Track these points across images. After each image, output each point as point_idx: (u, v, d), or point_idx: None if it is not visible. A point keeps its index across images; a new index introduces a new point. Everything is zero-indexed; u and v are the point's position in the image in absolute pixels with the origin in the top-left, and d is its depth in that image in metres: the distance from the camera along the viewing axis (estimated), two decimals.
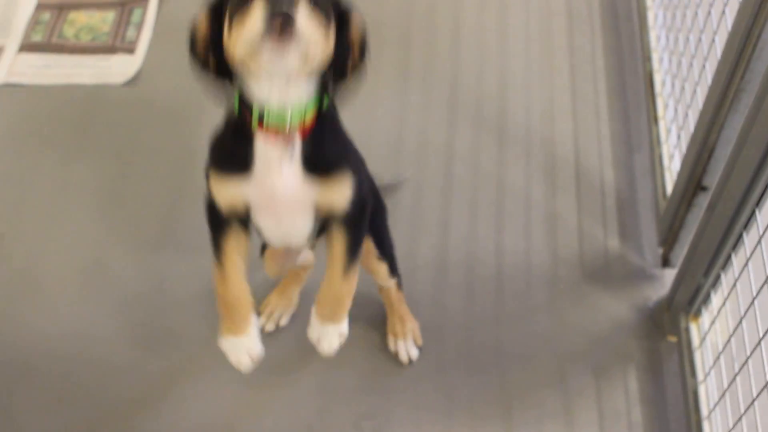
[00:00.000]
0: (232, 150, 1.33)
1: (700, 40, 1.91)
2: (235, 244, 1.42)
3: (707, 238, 1.68)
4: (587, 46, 2.45)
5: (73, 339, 1.96)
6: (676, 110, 2.08)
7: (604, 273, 2.03)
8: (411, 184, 2.17)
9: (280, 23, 1.13)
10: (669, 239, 1.98)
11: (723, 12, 1.75)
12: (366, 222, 1.45)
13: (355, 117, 2.15)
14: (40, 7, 2.65)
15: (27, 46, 2.55)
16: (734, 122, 1.63)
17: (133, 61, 2.49)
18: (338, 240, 1.42)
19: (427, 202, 2.14)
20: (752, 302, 1.53)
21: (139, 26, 2.57)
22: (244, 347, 1.47)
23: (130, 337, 1.97)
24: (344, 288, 1.46)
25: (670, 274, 1.97)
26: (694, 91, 1.92)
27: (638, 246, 2.06)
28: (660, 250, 2.03)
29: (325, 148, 1.33)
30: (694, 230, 1.80)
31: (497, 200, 2.13)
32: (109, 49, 2.52)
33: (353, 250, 1.44)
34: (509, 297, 1.99)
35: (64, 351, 1.95)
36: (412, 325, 1.91)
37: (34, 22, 2.61)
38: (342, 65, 1.28)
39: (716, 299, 1.76)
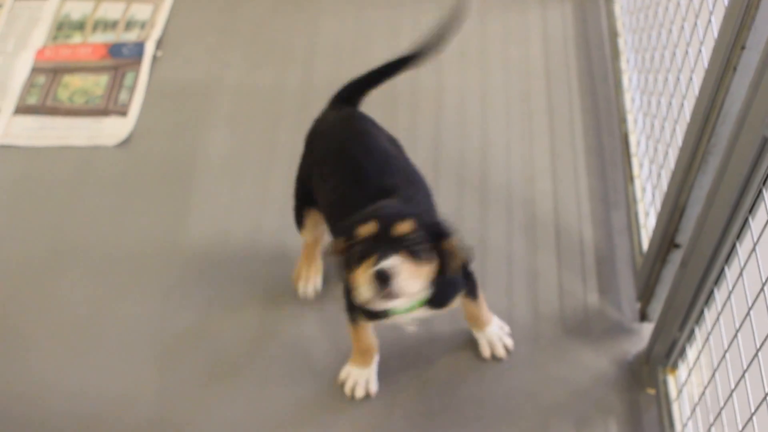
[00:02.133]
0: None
1: (670, 103, 1.99)
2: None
3: (681, 294, 1.75)
4: (565, 107, 2.53)
5: (74, 396, 2.01)
6: (650, 170, 2.15)
7: (585, 328, 2.08)
8: None
9: (383, 283, 1.51)
10: (646, 294, 2.04)
11: (690, 78, 1.84)
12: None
13: None
14: (35, 71, 2.72)
15: (22, 109, 2.62)
16: (703, 183, 1.70)
17: (125, 124, 2.56)
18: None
19: None
20: (723, 355, 1.59)
21: (132, 90, 2.65)
22: (365, 377, 1.98)
23: (129, 390, 2.01)
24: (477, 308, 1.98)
25: (647, 328, 2.03)
26: (666, 152, 2.00)
27: (617, 301, 2.12)
28: (638, 305, 2.09)
29: (442, 301, 1.78)
30: (669, 286, 1.87)
31: (479, 258, 2.19)
32: (102, 112, 2.60)
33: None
34: None
35: (66, 408, 1.99)
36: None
37: (29, 85, 2.68)
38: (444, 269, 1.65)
39: (691, 352, 1.82)
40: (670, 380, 1.91)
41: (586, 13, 2.80)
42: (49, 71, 2.72)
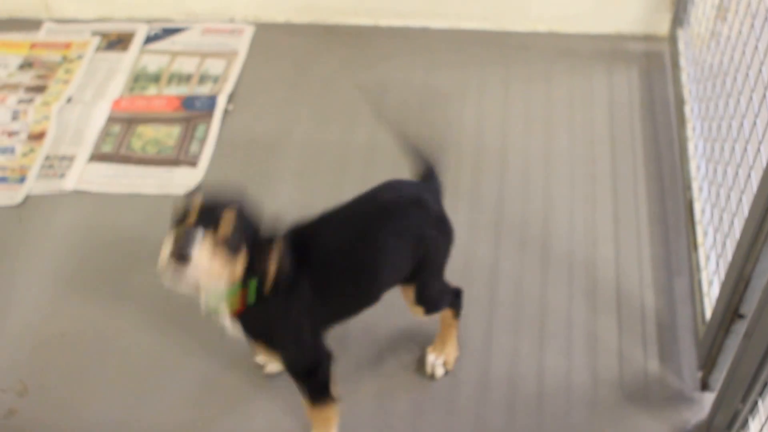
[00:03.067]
0: None
1: (737, 173, 1.99)
2: None
3: (744, 365, 1.73)
4: (629, 172, 2.54)
5: None
6: (715, 238, 2.14)
7: (644, 395, 2.06)
8: None
9: (178, 259, 1.51)
10: (708, 363, 2.01)
11: (758, 150, 1.84)
12: (313, 383, 1.85)
13: None
14: (111, 120, 2.82)
15: (97, 156, 2.70)
16: None
17: (195, 174, 2.63)
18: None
19: (471, 319, 2.20)
20: None
21: (203, 141, 2.72)
22: None
23: None
24: (312, 414, 1.91)
25: (708, 398, 2.01)
26: (732, 222, 1.99)
27: (678, 369, 2.10)
28: (699, 374, 2.06)
29: (255, 328, 1.76)
30: (732, 356, 1.85)
31: (539, 320, 2.19)
32: (173, 162, 2.67)
33: (308, 397, 1.87)
34: (549, 416, 2.03)
35: None
36: (451, 350, 2.11)
37: (104, 134, 2.77)
38: (262, 276, 1.64)
39: (754, 425, 1.79)
40: None
41: (653, 79, 2.82)
42: (124, 121, 2.81)
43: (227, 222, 1.55)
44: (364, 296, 1.85)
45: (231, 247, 1.56)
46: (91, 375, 2.16)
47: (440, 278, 1.96)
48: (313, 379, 1.84)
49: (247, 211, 1.62)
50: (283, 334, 1.77)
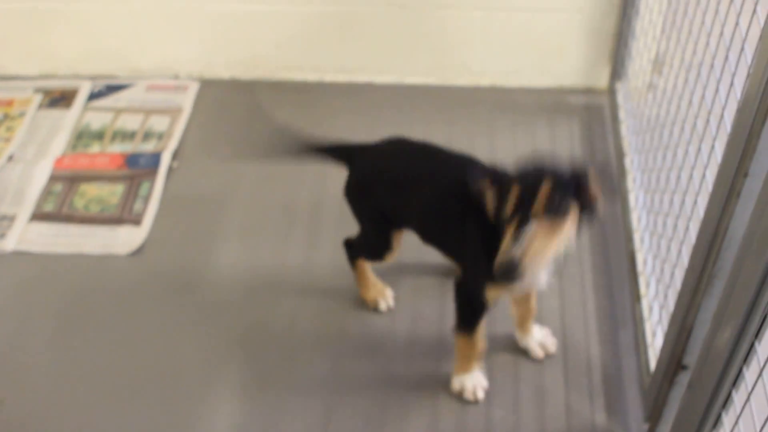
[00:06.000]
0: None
1: (676, 224, 2.02)
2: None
3: (689, 417, 1.73)
4: None
5: None
6: (657, 289, 2.16)
7: None
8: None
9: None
10: (654, 415, 2.02)
11: (695, 201, 1.87)
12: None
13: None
14: (53, 179, 2.78)
15: (38, 216, 2.67)
16: (709, 305, 1.70)
17: (138, 233, 2.60)
18: None
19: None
20: None
21: (147, 199, 2.70)
22: (475, 379, 2.12)
23: None
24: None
25: None
26: (673, 273, 2.01)
27: (625, 421, 2.10)
28: (645, 426, 2.07)
29: None
30: (677, 407, 1.85)
31: (487, 374, 2.19)
32: (117, 221, 2.64)
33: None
34: None
35: None
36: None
37: (46, 193, 2.74)
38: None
39: None
40: None
41: (593, 132, 2.87)
42: (67, 179, 2.78)
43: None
44: None
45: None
46: None
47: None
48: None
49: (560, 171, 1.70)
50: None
